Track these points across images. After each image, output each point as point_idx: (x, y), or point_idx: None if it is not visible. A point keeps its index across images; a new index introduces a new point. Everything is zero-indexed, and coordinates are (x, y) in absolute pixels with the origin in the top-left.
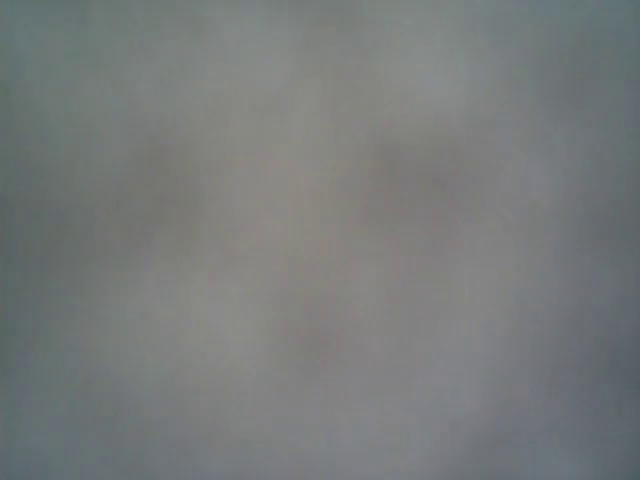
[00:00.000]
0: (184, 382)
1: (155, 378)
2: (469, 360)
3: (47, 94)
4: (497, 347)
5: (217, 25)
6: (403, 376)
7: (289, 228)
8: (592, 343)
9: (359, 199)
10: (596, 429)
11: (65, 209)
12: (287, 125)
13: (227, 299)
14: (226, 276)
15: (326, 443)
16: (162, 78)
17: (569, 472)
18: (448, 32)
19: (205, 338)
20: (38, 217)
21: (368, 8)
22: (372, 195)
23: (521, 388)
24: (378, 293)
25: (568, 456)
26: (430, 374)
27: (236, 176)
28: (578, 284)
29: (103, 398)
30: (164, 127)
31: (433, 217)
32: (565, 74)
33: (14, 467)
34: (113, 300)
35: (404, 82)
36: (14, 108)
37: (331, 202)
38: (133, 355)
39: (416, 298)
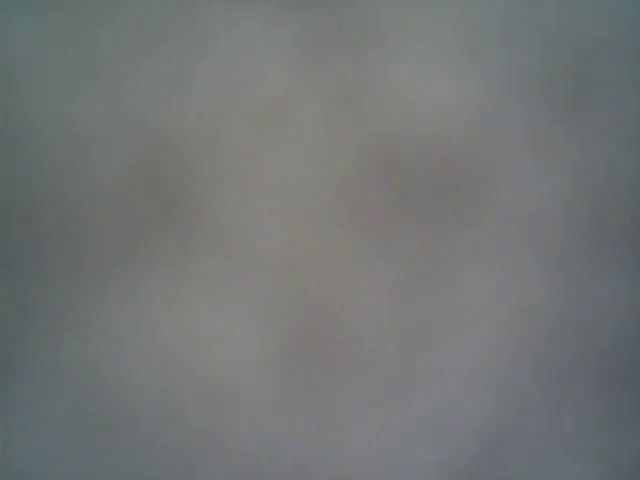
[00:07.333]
0: (183, 392)
1: (154, 388)
2: (474, 371)
3: (45, 101)
4: (502, 357)
5: (216, 31)
6: (407, 387)
7: (290, 236)
8: (600, 353)
9: (361, 206)
10: (604, 440)
11: (63, 218)
12: (287, 131)
13: (228, 308)
14: (227, 285)
15: (328, 455)
16: (161, 84)
17: None
18: (452, 39)
19: (205, 348)
20: (36, 226)
21: (370, 13)
22: (374, 202)
23: (527, 399)
24: (381, 303)
25: (575, 468)
26: (435, 385)
27: (236, 183)
28: (584, 293)
29: (102, 409)
30: (163, 133)
31: (437, 225)
32: (572, 81)
33: (11, 478)
34: (112, 310)
35: (407, 88)
36: (11, 115)
37: (332, 209)
38: (132, 365)
39: (419, 307)
